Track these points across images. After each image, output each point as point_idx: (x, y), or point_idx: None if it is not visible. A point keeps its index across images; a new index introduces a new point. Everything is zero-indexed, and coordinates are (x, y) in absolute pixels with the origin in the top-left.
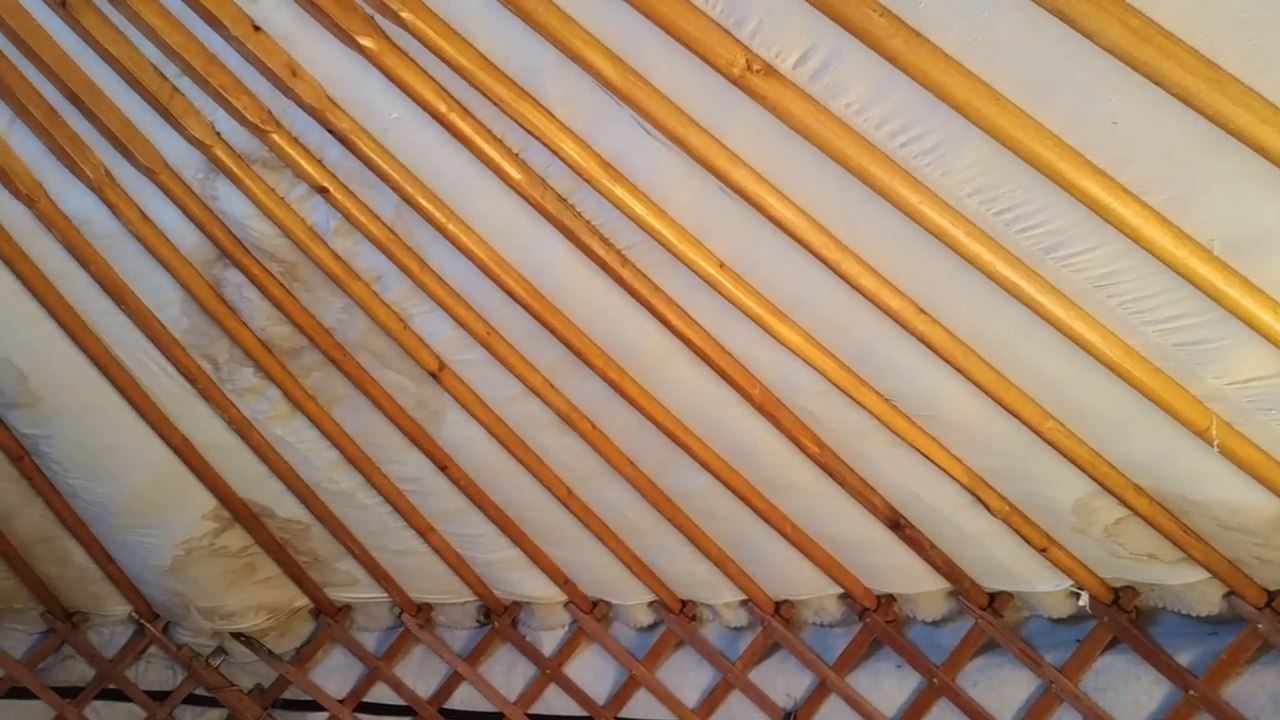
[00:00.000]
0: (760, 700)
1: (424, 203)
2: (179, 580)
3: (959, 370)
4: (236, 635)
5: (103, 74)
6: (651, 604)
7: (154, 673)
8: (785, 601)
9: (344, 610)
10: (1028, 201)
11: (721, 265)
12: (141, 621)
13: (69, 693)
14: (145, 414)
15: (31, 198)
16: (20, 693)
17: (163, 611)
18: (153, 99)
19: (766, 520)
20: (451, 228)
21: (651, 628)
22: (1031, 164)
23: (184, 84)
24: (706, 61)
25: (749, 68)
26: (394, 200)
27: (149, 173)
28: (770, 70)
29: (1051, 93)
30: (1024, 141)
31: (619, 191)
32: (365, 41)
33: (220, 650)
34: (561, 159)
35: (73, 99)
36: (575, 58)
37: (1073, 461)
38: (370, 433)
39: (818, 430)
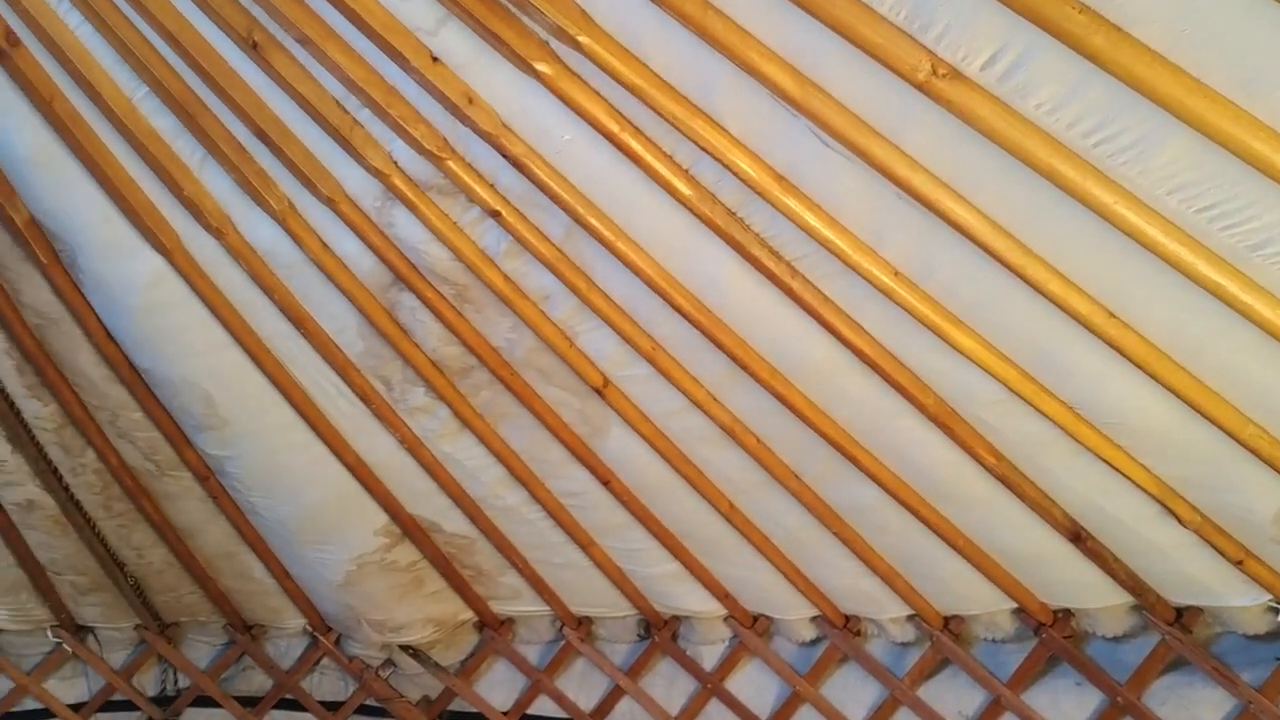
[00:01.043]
0: (930, 718)
1: (594, 222)
2: (351, 594)
3: (1152, 376)
4: (405, 648)
5: (287, 110)
6: (814, 619)
7: (327, 684)
8: (954, 616)
9: (507, 623)
10: (1234, 197)
11: (896, 273)
12: (315, 634)
13: (249, 702)
14: (322, 434)
15: (220, 230)
16: (205, 701)
17: (335, 624)
18: (334, 131)
19: (937, 533)
20: (620, 245)
21: (814, 643)
22: (1243, 158)
23: (364, 116)
24: (890, 68)
25: (934, 72)
26: (564, 220)
27: (330, 203)
28: (956, 74)
29: (1267, 83)
30: (1236, 135)
31: (792, 203)
32: (541, 67)
33: (389, 662)
34: (733, 173)
35: (260, 135)
36: (753, 72)
37: (1276, 469)
38: (535, 449)
39: (994, 441)
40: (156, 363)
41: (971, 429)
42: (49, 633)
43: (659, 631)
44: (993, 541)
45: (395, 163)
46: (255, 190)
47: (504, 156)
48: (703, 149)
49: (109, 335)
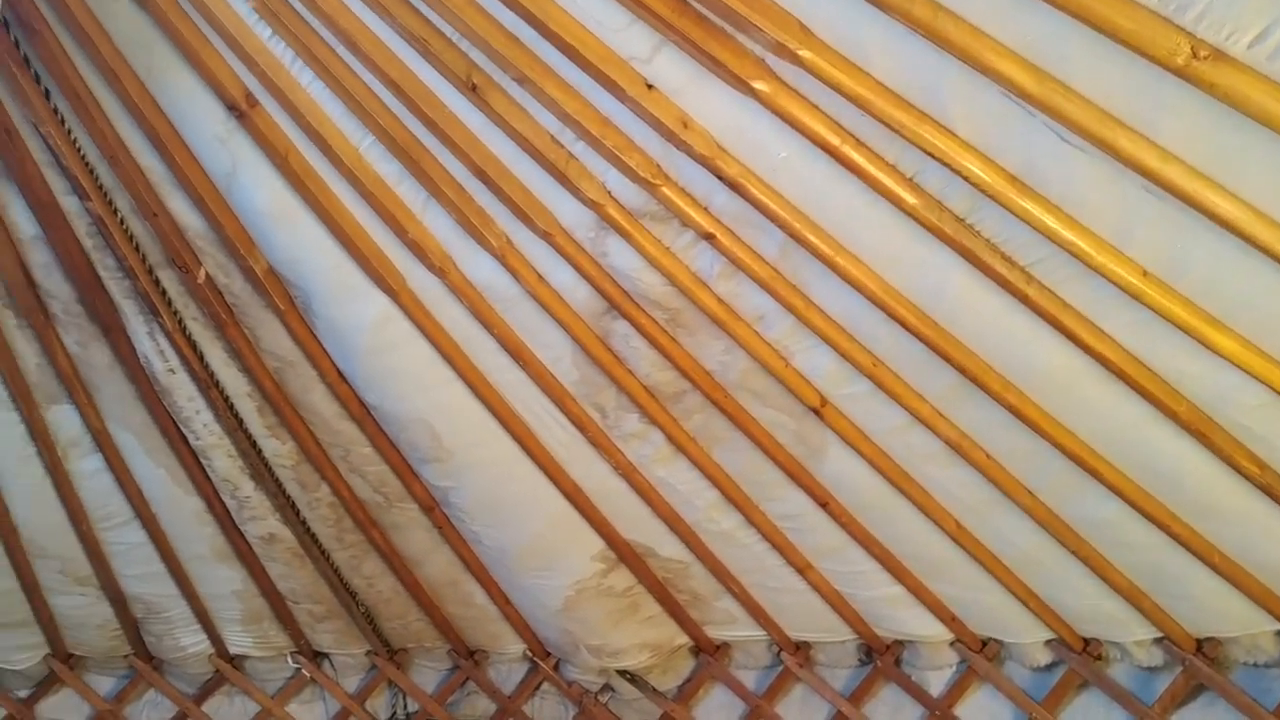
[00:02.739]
0: None
1: (812, 238)
2: (570, 619)
3: None
4: (622, 672)
5: (504, 148)
6: (1049, 642)
7: (548, 708)
8: (1209, 639)
9: (723, 648)
10: None
11: (1145, 273)
12: (535, 659)
13: None
14: (541, 463)
15: (443, 270)
16: None
17: (554, 650)
18: (550, 166)
19: (1189, 549)
20: (840, 261)
21: (1050, 668)
22: None
23: (578, 149)
24: (1144, 55)
25: (1195, 55)
26: (779, 239)
27: (546, 236)
28: (1219, 54)
29: None
30: None
31: (1028, 205)
32: (759, 85)
33: (607, 687)
34: (964, 178)
35: (479, 175)
36: (987, 70)
37: None
38: (750, 472)
39: (1257, 448)
40: (384, 399)
41: (1230, 436)
42: (289, 659)
43: (881, 656)
44: (1254, 557)
45: (609, 192)
46: (475, 229)
47: (719, 178)
48: (930, 155)
49: (340, 375)
